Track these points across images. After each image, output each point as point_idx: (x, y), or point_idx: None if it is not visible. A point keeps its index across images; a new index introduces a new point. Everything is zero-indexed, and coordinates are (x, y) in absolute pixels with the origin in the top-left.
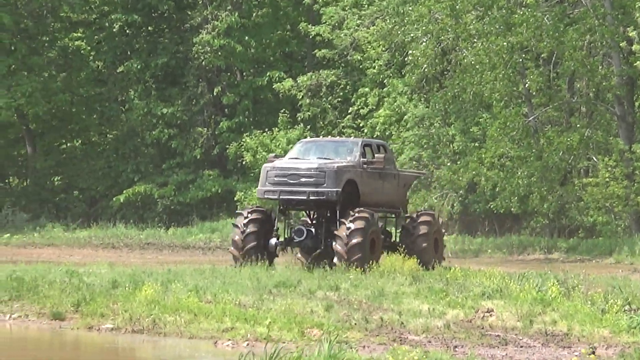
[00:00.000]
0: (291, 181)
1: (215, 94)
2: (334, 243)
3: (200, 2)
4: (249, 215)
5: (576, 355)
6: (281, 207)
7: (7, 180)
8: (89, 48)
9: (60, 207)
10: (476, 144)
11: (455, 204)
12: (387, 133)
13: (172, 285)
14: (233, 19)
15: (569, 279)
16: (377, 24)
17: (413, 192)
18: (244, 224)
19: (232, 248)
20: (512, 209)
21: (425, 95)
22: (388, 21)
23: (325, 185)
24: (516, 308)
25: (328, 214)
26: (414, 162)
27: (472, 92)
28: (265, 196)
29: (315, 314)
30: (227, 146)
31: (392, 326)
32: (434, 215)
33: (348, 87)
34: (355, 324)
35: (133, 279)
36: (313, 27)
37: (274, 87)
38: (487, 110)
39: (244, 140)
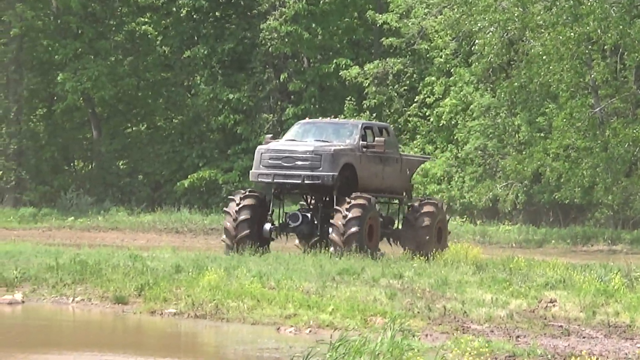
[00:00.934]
0: (286, 164)
1: (281, 80)
2: (330, 231)
3: None
4: (241, 201)
5: (639, 347)
6: (275, 191)
7: (72, 164)
8: (156, 33)
9: (125, 191)
10: (542, 135)
11: (519, 194)
12: (452, 122)
13: (236, 271)
14: (300, 6)
15: (633, 271)
16: (445, 13)
17: (478, 181)
18: (236, 211)
19: (225, 236)
20: (577, 200)
21: (491, 85)
22: (455, 10)
23: (320, 169)
24: (579, 299)
25: (326, 199)
26: (479, 152)
27: (538, 82)
28: (259, 179)
29: (379, 302)
30: None
31: (455, 315)
32: (437, 204)
33: (414, 75)
34: (419, 312)
35: (196, 264)
36: (380, 15)
37: (340, 74)
38: (553, 100)
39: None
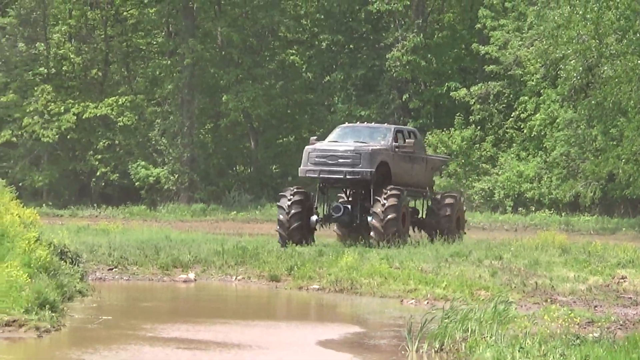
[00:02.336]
0: (330, 162)
1: (403, 99)
2: (370, 219)
3: (392, 26)
4: (292, 197)
5: None
6: (320, 185)
7: (234, 168)
8: (301, 61)
9: (277, 190)
10: (614, 143)
11: (596, 191)
12: (542, 133)
13: (368, 254)
14: (418, 40)
15: None
16: (535, 45)
17: (562, 181)
18: (288, 206)
19: (279, 228)
20: None
21: (573, 103)
22: (544, 42)
23: (360, 165)
24: None
25: (362, 192)
26: (564, 157)
27: (611, 100)
28: (307, 174)
29: (483, 279)
30: None
31: (544, 289)
32: (456, 196)
33: (511, 95)
34: (515, 287)
35: (335, 249)
36: (483, 47)
37: (451, 94)
38: (623, 115)
39: (426, 137)
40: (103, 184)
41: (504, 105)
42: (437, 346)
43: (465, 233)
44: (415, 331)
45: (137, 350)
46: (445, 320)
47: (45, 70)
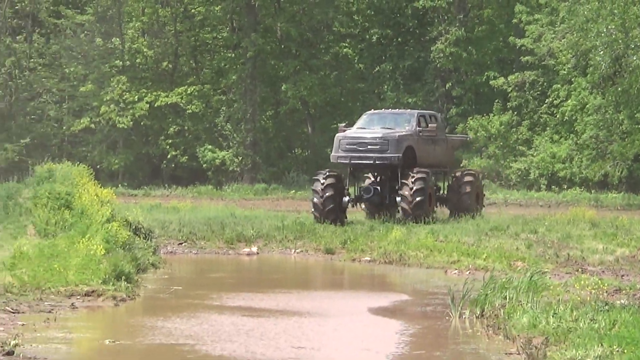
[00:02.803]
0: (360, 148)
1: (446, 88)
2: (399, 200)
3: (436, 21)
4: (325, 180)
5: None
6: (351, 170)
7: (293, 151)
8: (354, 53)
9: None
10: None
11: (623, 170)
12: (573, 118)
13: (415, 229)
14: (460, 33)
15: None
16: (567, 37)
17: (592, 161)
18: (322, 189)
19: (314, 210)
20: None
21: (602, 90)
22: (575, 35)
23: (388, 151)
24: None
25: (390, 174)
26: (593, 139)
27: (637, 87)
28: (339, 161)
29: (519, 251)
30: (456, 127)
31: (575, 260)
32: (475, 174)
33: (545, 83)
34: (549, 258)
35: (385, 225)
36: (519, 39)
37: (490, 83)
38: None
39: (468, 123)
40: (173, 166)
41: (538, 93)
42: (478, 312)
43: (484, 207)
44: (458, 299)
45: (205, 317)
46: (486, 289)
47: (121, 62)
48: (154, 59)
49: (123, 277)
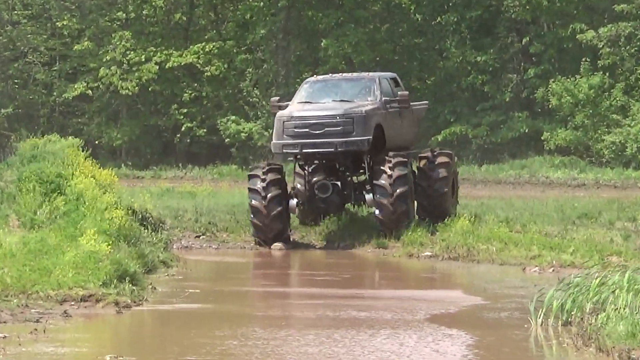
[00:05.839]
0: (314, 132)
1: (523, 43)
2: (369, 198)
3: None
4: (266, 176)
5: None
6: (301, 163)
7: None
8: (409, 2)
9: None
10: None
11: None
12: None
13: (485, 217)
14: None
15: None
16: None
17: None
18: (263, 188)
19: (253, 217)
20: None
21: None
22: None
23: (354, 133)
24: None
25: (351, 164)
26: None
27: None
28: (284, 151)
29: (615, 243)
30: (535, 90)
31: None
32: (451, 154)
33: None
34: None
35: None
36: None
37: (576, 37)
38: None
39: (550, 86)
40: (189, 141)
41: (636, 49)
42: (564, 319)
43: (458, 203)
44: (540, 302)
45: (229, 329)
46: (574, 290)
47: (124, 15)
48: (164, 10)
49: (127, 279)
